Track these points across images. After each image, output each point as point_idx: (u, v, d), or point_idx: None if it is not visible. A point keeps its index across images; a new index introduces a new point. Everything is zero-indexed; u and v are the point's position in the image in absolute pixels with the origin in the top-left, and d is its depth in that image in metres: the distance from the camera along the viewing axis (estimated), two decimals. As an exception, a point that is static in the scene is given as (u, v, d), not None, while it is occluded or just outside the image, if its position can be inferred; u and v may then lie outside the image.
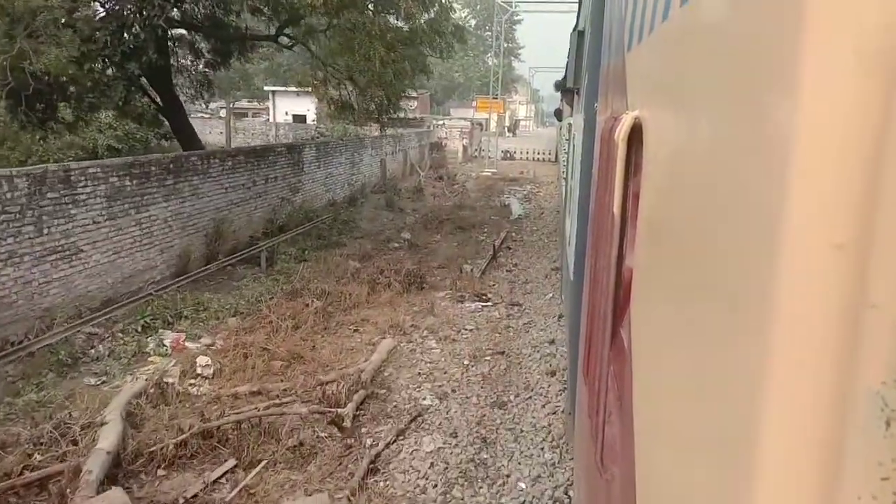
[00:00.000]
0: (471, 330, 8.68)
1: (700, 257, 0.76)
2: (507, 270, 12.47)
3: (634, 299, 1.24)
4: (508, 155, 37.88)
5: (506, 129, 56.74)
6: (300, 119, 37.46)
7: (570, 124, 8.84)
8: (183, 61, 14.65)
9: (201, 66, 14.52)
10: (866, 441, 0.42)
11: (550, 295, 10.27)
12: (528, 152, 38.01)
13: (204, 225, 10.73)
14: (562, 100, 13.69)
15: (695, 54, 0.84)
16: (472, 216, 18.36)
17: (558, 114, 25.11)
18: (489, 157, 36.36)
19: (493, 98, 34.72)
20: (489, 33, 57.34)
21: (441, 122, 36.88)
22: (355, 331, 8.49)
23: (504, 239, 15.16)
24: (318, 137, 26.89)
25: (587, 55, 4.21)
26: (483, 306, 9.79)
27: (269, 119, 38.31)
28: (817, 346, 0.45)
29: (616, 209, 1.41)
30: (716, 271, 0.68)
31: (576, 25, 5.46)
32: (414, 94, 42.97)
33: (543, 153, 37.93)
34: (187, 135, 13.72)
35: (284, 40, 13.40)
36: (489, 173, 30.87)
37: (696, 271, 0.77)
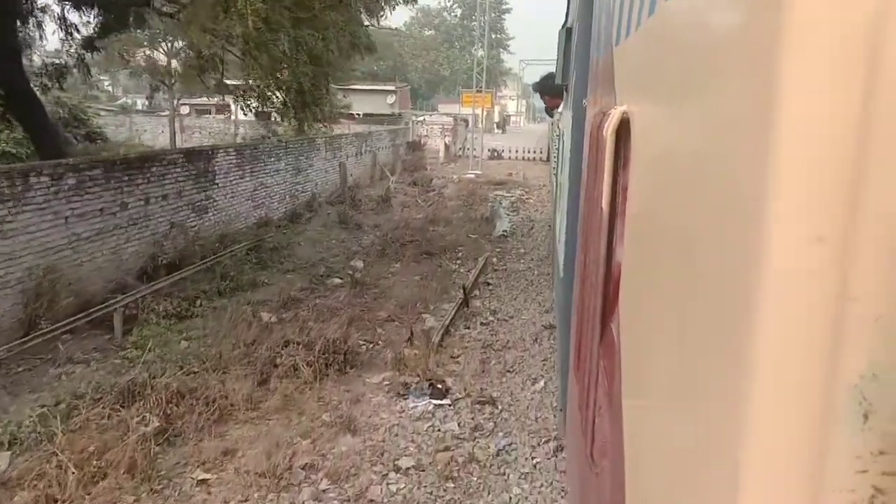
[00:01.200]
0: (406, 470, 5.11)
1: (687, 251, 0.77)
2: (481, 323, 8.91)
3: (623, 294, 1.25)
4: (496, 154, 34.31)
5: (495, 125, 53.20)
6: (265, 116, 33.78)
7: (559, 121, 8.44)
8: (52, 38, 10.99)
9: (74, 44, 10.85)
10: (845, 434, 0.43)
11: (542, 383, 6.70)
12: (517, 151, 34.46)
13: (18, 278, 7.12)
14: (542, 97, 10.70)
15: (680, 48, 0.85)
16: (446, 234, 14.81)
17: (549, 110, 22.07)
18: (474, 157, 32.80)
19: (478, 91, 31.09)
20: (476, 23, 53.80)
21: (421, 119, 33.30)
22: (202, 482, 4.90)
23: (482, 269, 11.62)
24: (269, 137, 23.27)
25: (575, 51, 3.93)
26: (436, 406, 6.23)
27: (231, 116, 34.58)
28: (799, 340, 0.46)
29: (605, 204, 1.42)
30: (702, 265, 0.69)
31: (565, 23, 5.20)
32: (390, 88, 39.29)
33: (534, 152, 34.37)
34: (48, 137, 10.06)
35: (161, 4, 9.78)
36: (473, 176, 27.29)
37: (684, 265, 0.78)
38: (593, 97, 2.40)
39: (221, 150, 11.72)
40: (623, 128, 1.29)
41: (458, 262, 12.37)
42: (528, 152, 34.37)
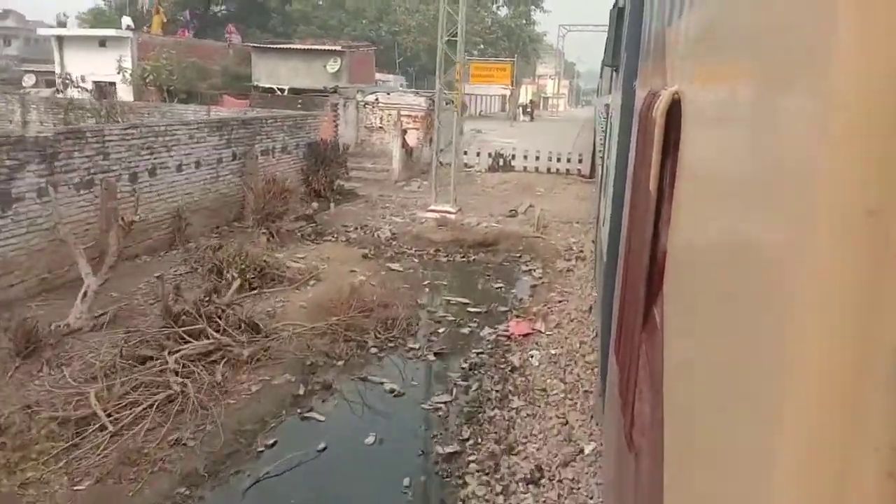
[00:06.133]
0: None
1: (736, 234, 0.76)
2: None
3: (668, 279, 1.26)
4: (502, 162, 19.93)
5: (519, 110, 38.57)
6: (102, 93, 19.98)
7: (606, 105, 7.85)
8: None
9: None
10: (883, 394, 0.44)
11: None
12: (538, 157, 19.93)
13: None
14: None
15: (734, 27, 0.86)
16: None
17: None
18: (466, 167, 18.48)
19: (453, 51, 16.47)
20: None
21: (371, 98, 19.11)
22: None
23: None
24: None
25: (627, 32, 3.90)
26: None
27: (58, 87, 20.74)
28: (845, 308, 0.47)
29: (652, 187, 1.40)
30: (753, 249, 0.69)
31: (616, 2, 5.31)
32: (334, 48, 24.97)
33: (569, 158, 19.83)
34: None
35: None
36: (435, 218, 13.10)
37: (733, 249, 0.78)
38: (643, 78, 2.39)
39: None
40: (674, 109, 1.29)
41: None
42: (558, 159, 19.85)
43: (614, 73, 5.61)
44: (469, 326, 7.70)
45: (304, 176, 13.81)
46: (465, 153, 20.22)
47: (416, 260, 10.65)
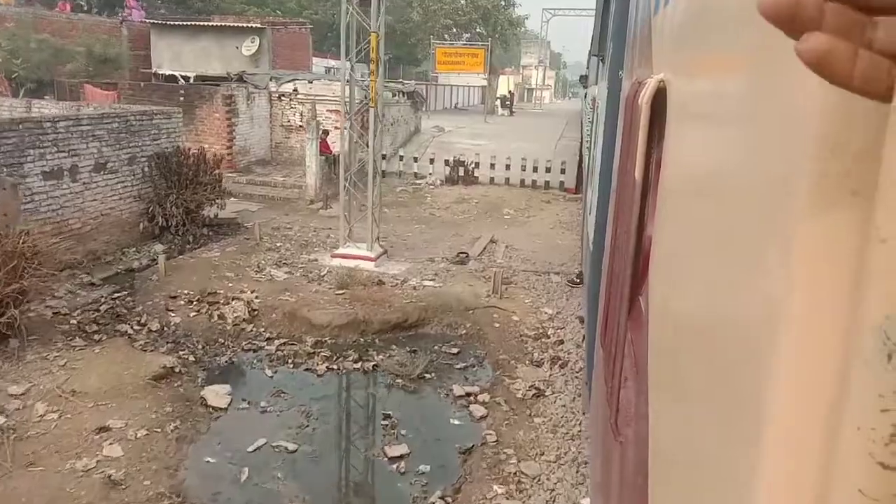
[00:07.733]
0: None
1: (721, 220, 0.75)
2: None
3: (653, 266, 1.25)
4: (464, 171, 15.32)
5: (497, 103, 33.90)
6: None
7: (593, 98, 7.45)
8: None
9: None
10: (869, 374, 0.44)
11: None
12: (509, 165, 15.30)
13: None
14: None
15: (720, 14, 0.85)
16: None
17: (584, 80, 12.46)
18: (417, 178, 13.97)
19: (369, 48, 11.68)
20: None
21: (288, 89, 14.43)
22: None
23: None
24: None
25: (613, 21, 3.86)
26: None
27: None
28: (828, 282, 0.47)
29: (638, 175, 1.41)
30: (736, 235, 0.69)
31: None
32: (254, 24, 19.44)
33: (548, 166, 15.25)
34: None
35: None
36: (336, 276, 8.55)
37: (717, 235, 0.77)
38: (630, 67, 2.41)
39: None
40: (659, 97, 1.28)
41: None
42: (535, 168, 15.26)
43: (601, 63, 5.51)
44: None
45: (146, 205, 9.15)
46: (416, 160, 15.63)
47: (268, 372, 6.06)
